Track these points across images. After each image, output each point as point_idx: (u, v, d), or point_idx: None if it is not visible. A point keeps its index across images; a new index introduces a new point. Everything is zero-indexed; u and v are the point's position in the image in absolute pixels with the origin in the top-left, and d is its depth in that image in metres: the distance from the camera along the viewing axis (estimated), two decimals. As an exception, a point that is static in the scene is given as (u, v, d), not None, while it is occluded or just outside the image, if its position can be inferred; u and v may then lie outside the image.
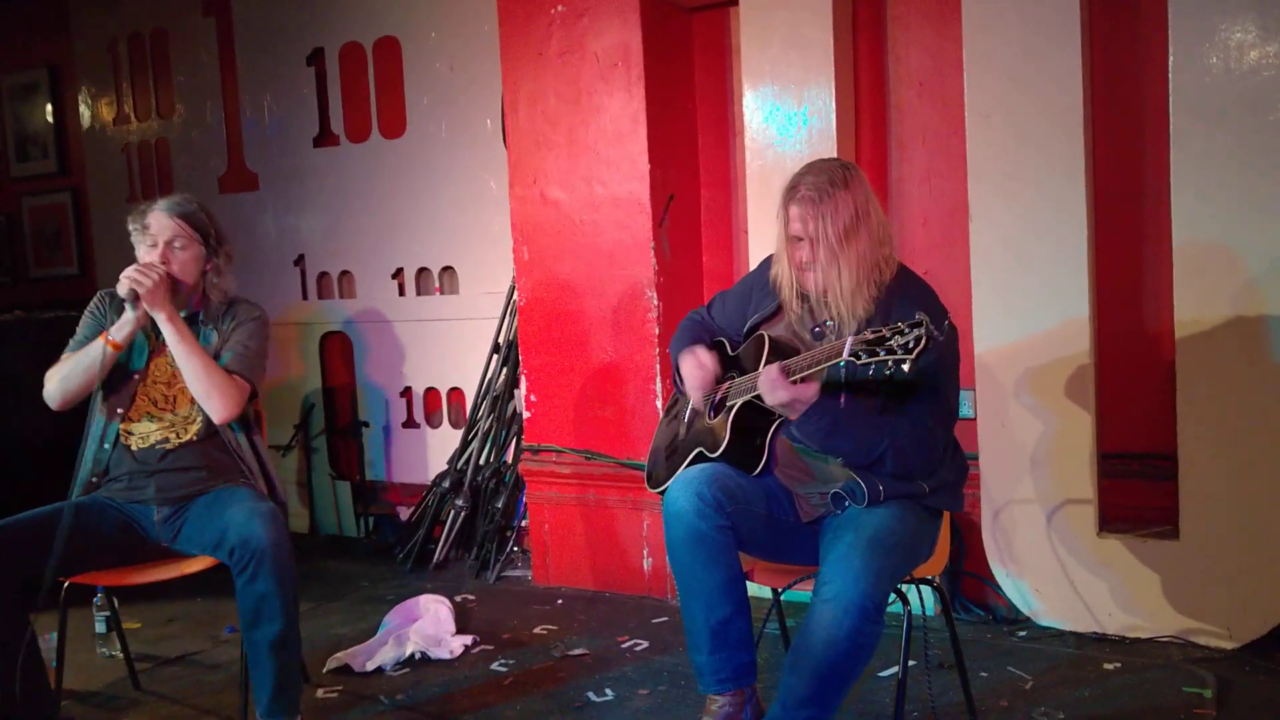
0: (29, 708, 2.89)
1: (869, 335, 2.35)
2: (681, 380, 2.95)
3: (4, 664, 2.86)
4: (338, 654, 3.72)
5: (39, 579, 2.90)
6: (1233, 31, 3.29)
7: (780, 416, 2.67)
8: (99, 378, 3.12)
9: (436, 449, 5.32)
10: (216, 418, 3.14)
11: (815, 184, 2.64)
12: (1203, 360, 3.39)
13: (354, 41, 5.38)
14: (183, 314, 3.21)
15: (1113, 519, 3.70)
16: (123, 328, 3.12)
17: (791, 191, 2.68)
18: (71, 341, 3.23)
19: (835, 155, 3.84)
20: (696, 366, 2.86)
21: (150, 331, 3.21)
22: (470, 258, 5.18)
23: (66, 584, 3.09)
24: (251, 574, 2.89)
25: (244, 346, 3.22)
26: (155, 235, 3.17)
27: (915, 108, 4.02)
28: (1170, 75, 3.39)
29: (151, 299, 3.06)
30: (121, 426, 3.18)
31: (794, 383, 2.51)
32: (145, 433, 3.19)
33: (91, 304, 3.30)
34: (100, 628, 3.88)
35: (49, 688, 3.06)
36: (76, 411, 3.22)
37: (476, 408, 5.01)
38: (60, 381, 3.14)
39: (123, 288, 3.07)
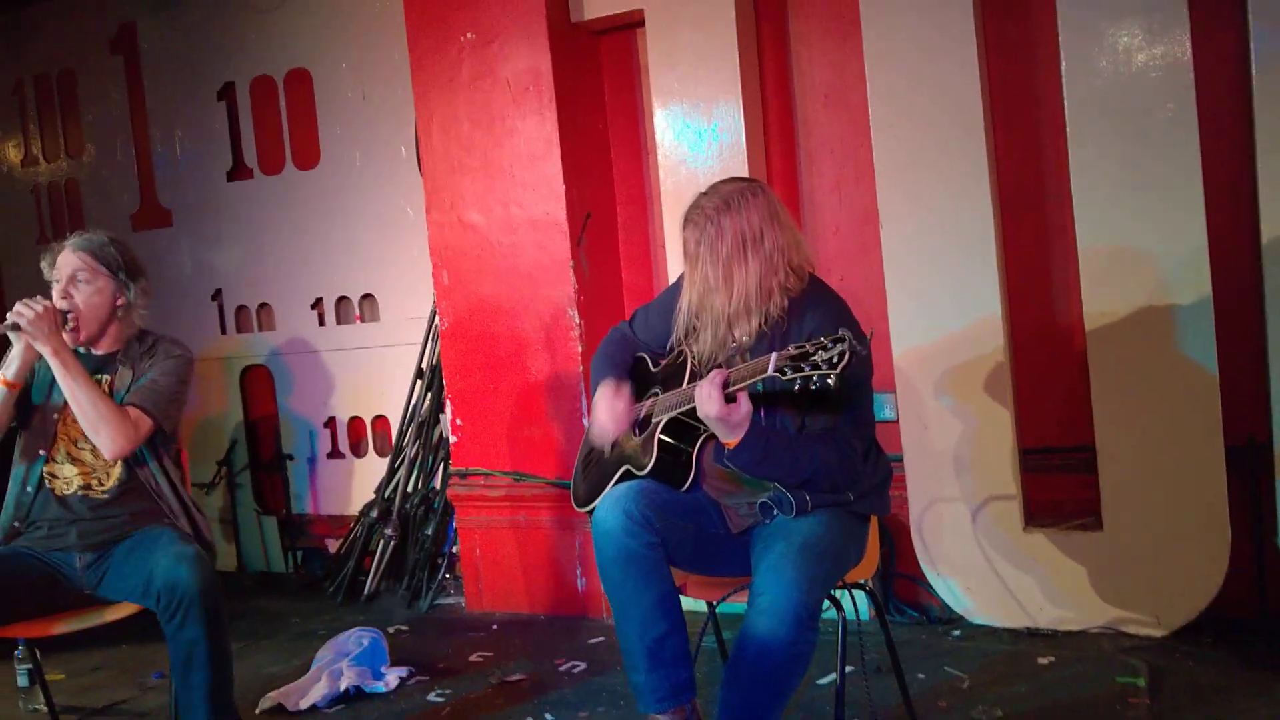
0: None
1: (793, 351, 2.37)
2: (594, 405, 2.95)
3: None
4: (271, 693, 3.66)
5: None
6: (1119, 35, 3.40)
7: (707, 431, 2.68)
8: (2, 418, 3.06)
9: (363, 479, 5.28)
10: (106, 453, 3.05)
11: (704, 208, 2.67)
12: (1113, 352, 3.48)
13: (265, 74, 5.36)
14: (99, 352, 3.17)
15: (1038, 514, 3.77)
16: (11, 363, 3.06)
17: (686, 213, 2.71)
18: None
19: (746, 169, 3.90)
20: (607, 405, 2.85)
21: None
22: (390, 284, 5.16)
23: (-13, 638, 3.01)
24: (180, 621, 2.84)
25: (153, 383, 3.14)
26: (60, 272, 3.13)
27: (822, 119, 4.09)
28: (1063, 79, 3.48)
29: (33, 331, 2.98)
30: (45, 469, 3.11)
31: (727, 398, 2.52)
32: (68, 477, 3.12)
33: None
34: (23, 681, 3.77)
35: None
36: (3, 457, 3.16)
37: (402, 435, 4.97)
38: None
39: (6, 321, 3.01)
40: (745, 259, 2.63)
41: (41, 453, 3.12)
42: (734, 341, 2.70)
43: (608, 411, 2.85)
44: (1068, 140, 3.50)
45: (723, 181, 2.77)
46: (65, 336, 3.05)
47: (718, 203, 2.66)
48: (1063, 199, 3.64)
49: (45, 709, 3.56)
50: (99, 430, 3.02)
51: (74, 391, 3.01)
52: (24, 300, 3.02)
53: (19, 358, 3.06)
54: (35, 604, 3.05)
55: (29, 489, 3.12)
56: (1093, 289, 3.50)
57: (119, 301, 3.18)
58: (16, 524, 3.13)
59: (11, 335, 3.02)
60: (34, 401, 3.16)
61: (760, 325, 2.66)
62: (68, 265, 3.12)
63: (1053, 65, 3.59)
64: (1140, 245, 3.41)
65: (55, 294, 3.11)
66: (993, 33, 3.74)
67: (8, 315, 3.01)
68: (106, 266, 3.15)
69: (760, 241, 2.64)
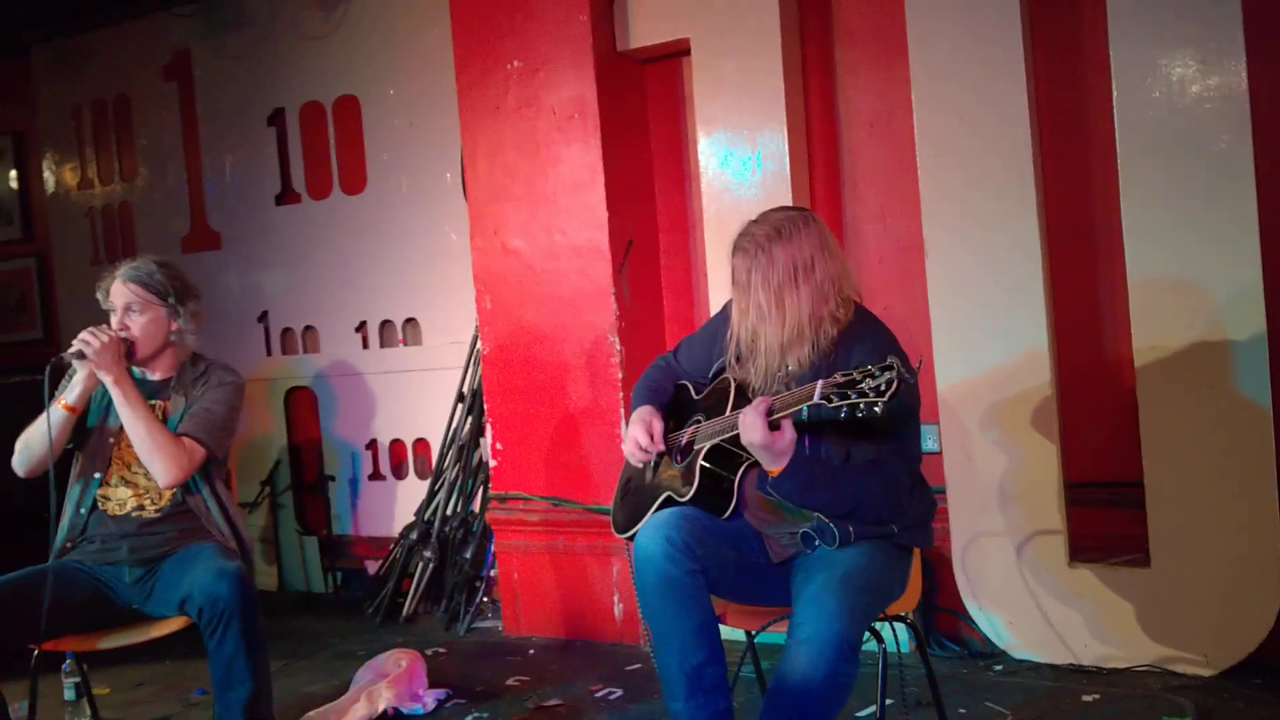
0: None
1: (839, 379, 2.36)
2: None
3: None
4: (309, 713, 3.66)
5: (9, 646, 2.90)
6: (1173, 66, 3.36)
7: (749, 458, 2.67)
8: (60, 441, 3.11)
9: (403, 501, 5.30)
10: (161, 481, 3.12)
11: (755, 236, 2.67)
12: (1162, 387, 3.43)
13: (314, 101, 5.44)
14: (154, 378, 3.23)
15: (1083, 549, 3.71)
16: (73, 389, 3.12)
17: (737, 240, 2.71)
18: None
19: (789, 196, 3.90)
20: (640, 429, 2.87)
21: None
22: (433, 309, 5.20)
23: (37, 651, 3.04)
24: (220, 636, 2.88)
25: (206, 411, 3.21)
26: (114, 302, 3.19)
27: (866, 147, 4.09)
28: (1115, 110, 3.45)
29: (98, 360, 3.05)
30: (99, 492, 3.15)
31: (771, 426, 2.51)
32: (121, 499, 3.18)
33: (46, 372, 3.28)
34: (69, 694, 3.80)
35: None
36: (46, 477, 3.19)
37: (442, 458, 4.99)
38: (23, 449, 3.14)
39: (72, 348, 3.07)
40: (797, 287, 2.63)
41: (96, 475, 3.18)
42: (785, 371, 2.70)
43: (643, 434, 2.86)
44: (1119, 171, 3.46)
45: (772, 210, 2.77)
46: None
47: (769, 230, 2.66)
48: (1112, 231, 3.60)
49: (90, 723, 3.61)
50: (154, 459, 3.09)
51: (132, 421, 3.08)
52: (90, 329, 3.09)
53: (81, 384, 3.12)
54: (85, 618, 3.09)
55: (82, 511, 3.19)
56: (1143, 322, 3.46)
57: (172, 327, 3.24)
58: (68, 544, 3.18)
59: (75, 362, 3.09)
60: (89, 424, 3.22)
61: (810, 354, 2.66)
62: (120, 296, 3.18)
63: (1104, 95, 3.55)
64: (1192, 279, 3.37)
65: (114, 323, 3.17)
66: (1042, 61, 3.72)
67: (73, 343, 3.08)
68: (157, 295, 3.20)
69: (811, 270, 2.64)
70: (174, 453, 3.10)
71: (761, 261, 2.64)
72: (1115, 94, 3.45)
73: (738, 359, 2.80)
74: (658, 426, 2.89)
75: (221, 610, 2.87)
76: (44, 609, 2.86)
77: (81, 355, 3.06)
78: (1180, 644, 3.48)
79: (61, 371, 3.21)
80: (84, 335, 3.07)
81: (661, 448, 2.87)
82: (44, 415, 3.12)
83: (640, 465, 2.91)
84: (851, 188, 4.12)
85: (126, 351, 3.14)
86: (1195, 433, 3.40)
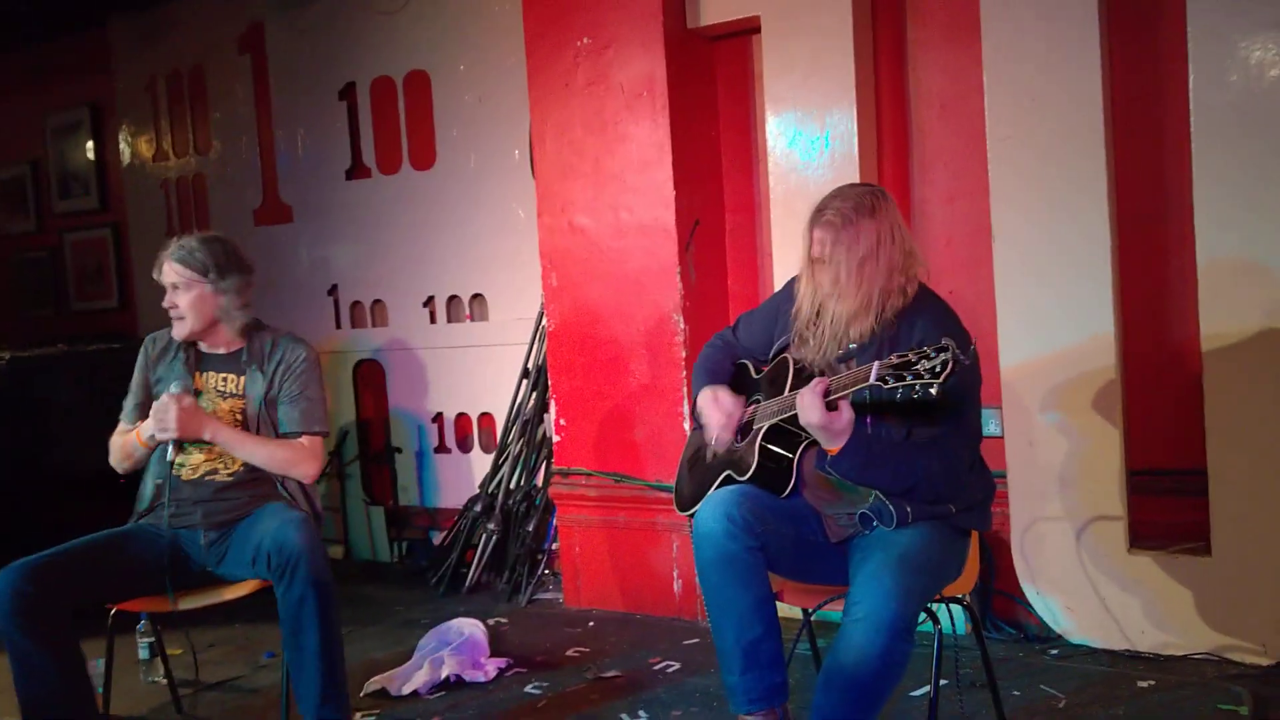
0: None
1: (895, 360, 2.37)
2: (699, 414, 2.99)
3: (59, 690, 2.92)
4: (375, 677, 3.77)
5: (88, 605, 3.00)
6: (1252, 50, 3.31)
7: (808, 438, 2.69)
8: (144, 462, 3.27)
9: (468, 473, 5.38)
10: (307, 482, 3.28)
11: (840, 210, 2.68)
12: (1230, 374, 3.39)
13: (385, 75, 5.49)
14: (221, 352, 3.31)
15: (1143, 536, 3.69)
16: (154, 437, 3.19)
17: (817, 214, 2.71)
18: (125, 403, 3.36)
19: (858, 177, 3.89)
20: (716, 410, 2.90)
21: (196, 370, 3.30)
22: (500, 285, 5.25)
23: (114, 610, 3.15)
24: (289, 580, 2.96)
25: (306, 400, 3.28)
26: (164, 280, 3.27)
27: (936, 129, 4.06)
28: (1191, 94, 3.40)
29: (183, 435, 3.14)
30: (173, 457, 3.22)
31: (828, 406, 2.54)
32: (195, 464, 3.26)
33: (140, 355, 3.39)
34: (144, 653, 3.95)
35: (99, 714, 3.11)
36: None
37: (507, 432, 5.06)
38: (118, 462, 3.32)
39: (151, 434, 3.18)
40: (877, 261, 2.66)
41: (170, 457, 3.23)
42: (849, 343, 2.71)
43: (716, 412, 2.89)
44: (1192, 155, 3.41)
45: (849, 186, 2.80)
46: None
47: (854, 204, 2.68)
48: (1183, 215, 3.56)
49: (164, 681, 3.73)
50: (290, 470, 3.25)
51: (252, 457, 3.21)
52: (155, 413, 3.15)
53: (168, 449, 3.20)
54: (160, 581, 3.17)
55: (159, 479, 3.26)
56: (1211, 308, 3.42)
57: (218, 302, 3.28)
58: (148, 507, 3.29)
59: (170, 448, 3.17)
60: (156, 392, 3.29)
61: (873, 328, 2.68)
62: (167, 276, 3.27)
63: (1179, 78, 3.50)
64: (1263, 265, 3.32)
65: (165, 300, 3.27)
66: (1117, 43, 3.67)
67: (150, 430, 3.17)
68: (197, 271, 3.24)
69: (890, 244, 2.67)
70: (303, 457, 3.24)
71: (846, 235, 2.66)
72: (1191, 77, 3.40)
73: (798, 335, 2.83)
74: (724, 395, 2.92)
75: (289, 556, 2.95)
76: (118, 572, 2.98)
77: (172, 442, 3.15)
78: (1238, 633, 3.46)
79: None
80: (151, 427, 3.16)
81: (740, 412, 2.89)
82: (123, 440, 3.29)
83: (723, 438, 2.92)
84: (920, 169, 4.11)
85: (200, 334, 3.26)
86: (1261, 421, 3.36)
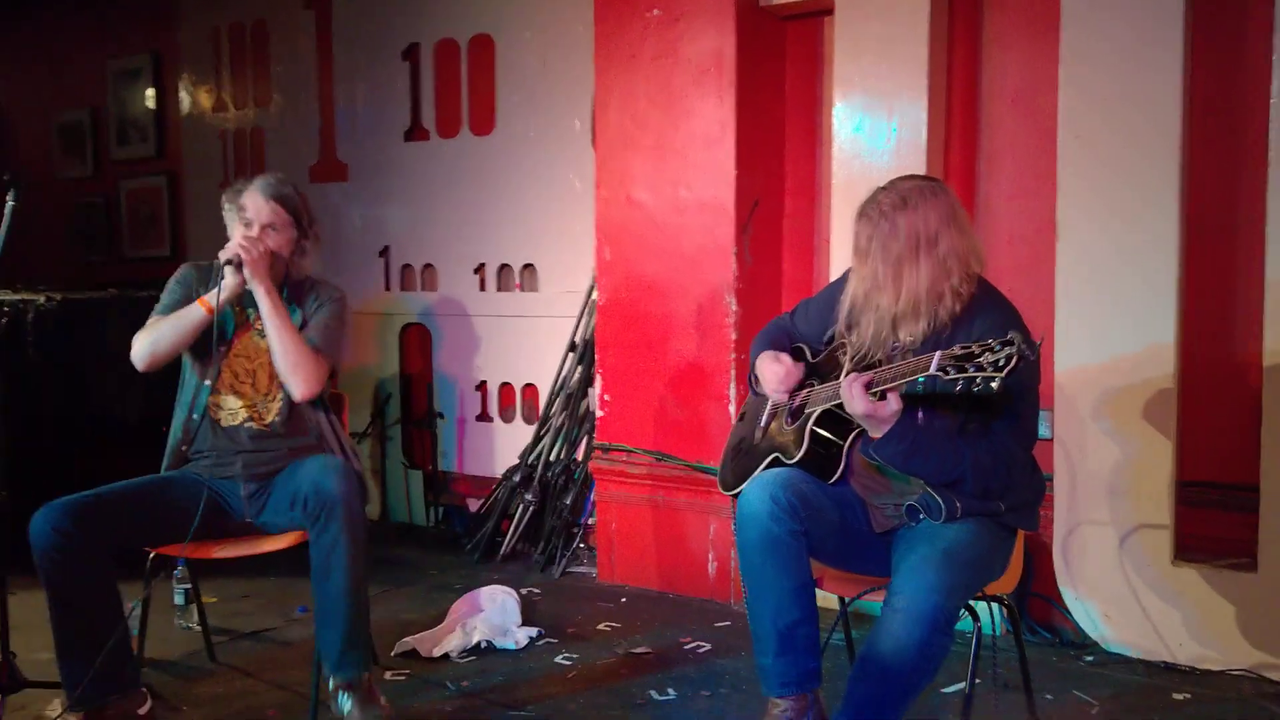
0: (114, 673, 2.97)
1: (958, 351, 2.34)
2: (758, 380, 2.97)
3: (97, 632, 2.94)
4: (406, 639, 3.78)
5: (127, 548, 3.02)
6: (1338, 60, 3.24)
7: (859, 426, 2.67)
8: (188, 340, 3.20)
9: (508, 443, 5.38)
10: (297, 394, 3.20)
11: (881, 203, 2.63)
12: (1290, 391, 3.34)
13: (449, 38, 5.47)
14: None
15: (1189, 548, 3.64)
16: (221, 292, 3.15)
17: (862, 206, 2.69)
18: (157, 307, 3.30)
19: (923, 167, 3.83)
20: (776, 364, 2.89)
21: (238, 305, 3.29)
22: (551, 256, 5.23)
23: (152, 555, 3.17)
24: (323, 524, 2.96)
25: (326, 326, 3.28)
26: (251, 217, 3.24)
27: (1007, 122, 4.00)
28: (1271, 104, 3.33)
29: (254, 269, 3.13)
30: (210, 399, 3.25)
31: (875, 396, 2.51)
32: (233, 409, 3.27)
33: (178, 273, 3.37)
34: (179, 599, 3.98)
35: (133, 655, 3.14)
36: (169, 387, 3.32)
37: (550, 404, 5.06)
38: (150, 342, 3.19)
39: (227, 253, 3.14)
40: (917, 260, 2.60)
41: (207, 382, 3.26)
42: (897, 343, 2.68)
43: (774, 364, 2.89)
44: (1268, 167, 3.35)
45: (903, 178, 2.74)
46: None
47: (896, 199, 2.63)
48: (1255, 225, 3.49)
49: (198, 628, 3.77)
50: (296, 370, 3.17)
51: (279, 331, 3.16)
52: (246, 236, 3.17)
53: (229, 289, 3.17)
54: (200, 527, 3.14)
55: (195, 416, 3.27)
56: (1277, 323, 3.35)
57: (301, 244, 3.31)
58: (184, 448, 3.28)
59: (227, 268, 3.15)
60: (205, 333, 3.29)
61: (927, 329, 2.63)
62: (262, 213, 3.23)
63: (1261, 86, 3.43)
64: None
65: (254, 233, 3.22)
66: (1200, 43, 3.57)
67: (227, 249, 3.16)
68: (294, 215, 3.28)
69: (935, 243, 2.60)
70: (312, 365, 3.18)
71: (884, 229, 2.61)
72: (1273, 80, 3.32)
73: (849, 326, 2.80)
74: (785, 356, 2.91)
75: (325, 500, 2.95)
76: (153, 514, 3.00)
77: (239, 262, 3.14)
78: (1279, 651, 3.40)
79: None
80: (240, 242, 3.15)
81: (799, 374, 2.88)
82: (177, 314, 3.20)
83: (780, 399, 2.90)
84: (988, 163, 4.04)
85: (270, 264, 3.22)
86: (1321, 441, 3.30)
